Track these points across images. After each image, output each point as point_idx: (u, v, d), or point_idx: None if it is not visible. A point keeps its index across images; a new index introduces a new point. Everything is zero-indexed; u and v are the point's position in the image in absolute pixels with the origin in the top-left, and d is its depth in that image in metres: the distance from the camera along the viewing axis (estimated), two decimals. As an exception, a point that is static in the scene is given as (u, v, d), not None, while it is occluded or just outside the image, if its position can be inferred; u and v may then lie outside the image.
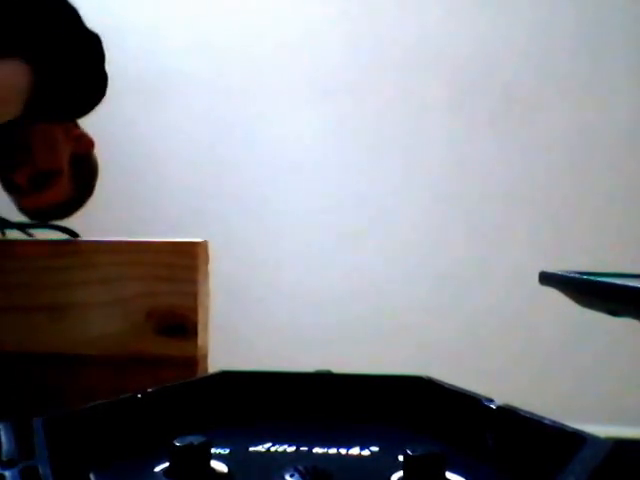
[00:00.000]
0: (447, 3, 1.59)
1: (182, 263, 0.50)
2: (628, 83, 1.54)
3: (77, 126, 0.66)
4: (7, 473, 0.24)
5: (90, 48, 0.56)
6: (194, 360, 0.49)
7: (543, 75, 1.57)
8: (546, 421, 0.27)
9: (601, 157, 1.55)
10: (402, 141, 1.60)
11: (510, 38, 1.58)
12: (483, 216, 1.57)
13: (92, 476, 0.27)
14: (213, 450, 0.27)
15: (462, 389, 0.32)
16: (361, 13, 1.61)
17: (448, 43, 1.58)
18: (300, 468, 0.25)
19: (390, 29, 1.60)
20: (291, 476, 0.25)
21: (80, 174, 0.64)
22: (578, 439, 0.25)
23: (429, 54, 1.59)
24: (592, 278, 0.37)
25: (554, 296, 0.44)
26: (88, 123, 0.65)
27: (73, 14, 0.55)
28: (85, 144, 0.66)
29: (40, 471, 0.24)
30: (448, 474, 0.26)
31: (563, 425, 0.26)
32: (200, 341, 0.49)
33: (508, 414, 0.29)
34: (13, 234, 0.56)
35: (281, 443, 0.30)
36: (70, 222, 0.53)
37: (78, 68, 0.55)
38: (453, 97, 1.58)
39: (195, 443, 0.26)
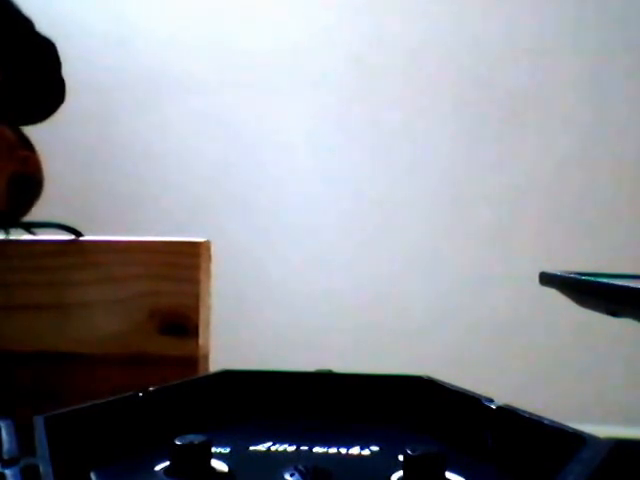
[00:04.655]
0: (451, 5, 1.59)
1: (185, 262, 0.50)
2: (636, 82, 1.54)
3: (27, 147, 0.65)
4: (8, 471, 0.24)
5: (44, 54, 0.56)
6: (195, 359, 0.49)
7: (548, 77, 1.57)
8: (546, 421, 0.27)
9: (605, 159, 1.54)
10: (406, 144, 1.60)
11: (514, 40, 1.57)
12: (488, 219, 1.57)
13: (93, 474, 0.27)
14: (213, 449, 0.27)
15: (462, 389, 0.32)
16: (364, 14, 1.61)
17: (452, 45, 1.58)
18: (300, 467, 0.26)
19: (393, 30, 1.60)
20: (291, 475, 0.25)
21: (19, 194, 0.63)
22: (578, 439, 0.25)
23: (433, 56, 1.59)
24: (592, 279, 0.37)
25: (556, 297, 0.44)
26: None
27: (26, 21, 0.56)
28: (31, 165, 0.65)
29: (41, 469, 0.24)
30: (448, 474, 0.26)
31: (563, 425, 0.26)
32: (201, 340, 0.49)
33: (508, 414, 0.29)
34: (16, 232, 0.56)
35: (281, 442, 0.30)
36: (73, 221, 0.53)
37: (31, 73, 0.55)
38: (457, 99, 1.58)
39: (195, 442, 0.26)
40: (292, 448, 0.30)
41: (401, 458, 0.26)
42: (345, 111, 1.61)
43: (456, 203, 1.58)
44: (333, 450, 0.30)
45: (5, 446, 0.26)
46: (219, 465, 0.27)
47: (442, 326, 1.55)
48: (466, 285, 1.56)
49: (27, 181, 0.63)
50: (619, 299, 0.33)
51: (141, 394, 0.32)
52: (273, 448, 0.30)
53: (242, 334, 1.51)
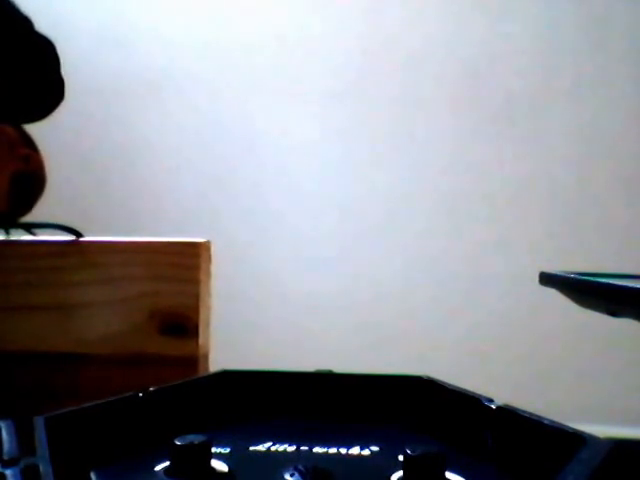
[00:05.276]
0: (450, 5, 1.59)
1: (185, 262, 0.50)
2: (633, 83, 1.54)
3: (29, 146, 0.65)
4: (8, 472, 0.24)
5: (43, 53, 0.56)
6: (195, 359, 0.49)
7: (547, 76, 1.57)
8: (546, 421, 0.27)
9: (604, 159, 1.54)
10: (405, 144, 1.60)
11: (513, 39, 1.57)
12: (488, 219, 1.57)
13: (93, 474, 0.27)
14: (213, 449, 0.27)
15: (462, 389, 0.32)
16: (364, 15, 1.61)
17: (451, 45, 1.58)
18: (300, 467, 0.26)
19: (393, 31, 1.60)
20: (291, 475, 0.25)
21: (21, 192, 0.63)
22: (578, 439, 0.25)
23: (432, 56, 1.59)
24: (592, 279, 0.37)
25: (556, 297, 0.44)
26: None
27: (25, 20, 0.56)
28: (33, 164, 0.65)
29: (41, 469, 0.24)
30: (448, 474, 0.26)
31: (563, 425, 0.26)
32: (201, 340, 0.49)
33: (508, 414, 0.29)
34: (16, 233, 0.56)
35: (281, 442, 0.30)
36: (73, 222, 0.53)
37: (30, 72, 0.55)
38: (456, 99, 1.58)
39: (195, 442, 0.26)
40: (292, 448, 0.30)
41: (401, 458, 0.26)
42: (345, 111, 1.61)
43: (456, 203, 1.58)
44: (333, 450, 0.30)
45: (5, 446, 0.26)
46: (219, 465, 0.27)
47: (442, 326, 1.55)
48: (466, 285, 1.56)
49: (29, 179, 0.63)
50: (619, 299, 0.33)
51: (141, 394, 0.32)
52: (273, 448, 0.30)
53: (242, 334, 1.51)
